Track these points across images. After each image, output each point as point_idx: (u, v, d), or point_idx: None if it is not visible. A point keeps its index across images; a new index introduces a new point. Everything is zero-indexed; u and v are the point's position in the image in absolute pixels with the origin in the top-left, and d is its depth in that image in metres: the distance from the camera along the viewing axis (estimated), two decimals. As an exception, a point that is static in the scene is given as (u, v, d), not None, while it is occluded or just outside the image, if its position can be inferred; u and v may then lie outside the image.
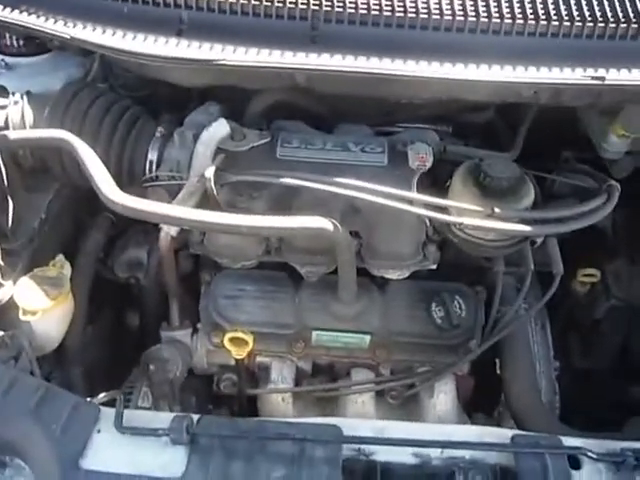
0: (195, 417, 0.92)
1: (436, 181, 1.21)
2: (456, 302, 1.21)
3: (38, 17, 1.17)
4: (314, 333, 1.22)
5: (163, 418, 0.92)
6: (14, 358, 1.01)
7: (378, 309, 1.23)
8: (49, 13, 1.17)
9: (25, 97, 1.23)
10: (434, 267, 1.21)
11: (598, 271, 1.36)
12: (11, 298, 1.08)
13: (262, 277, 1.25)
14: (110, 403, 0.97)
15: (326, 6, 1.10)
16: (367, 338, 1.22)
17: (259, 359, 1.26)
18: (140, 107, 1.30)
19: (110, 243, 1.37)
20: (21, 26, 1.17)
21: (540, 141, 1.36)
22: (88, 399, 1.00)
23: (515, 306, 1.17)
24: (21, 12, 1.18)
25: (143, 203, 1.02)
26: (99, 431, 0.91)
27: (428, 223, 1.17)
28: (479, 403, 1.33)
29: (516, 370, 1.19)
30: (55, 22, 1.16)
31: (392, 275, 1.21)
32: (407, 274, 1.22)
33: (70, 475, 0.86)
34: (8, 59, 1.35)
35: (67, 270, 1.14)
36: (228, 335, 1.11)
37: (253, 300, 1.23)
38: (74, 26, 1.15)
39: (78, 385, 1.23)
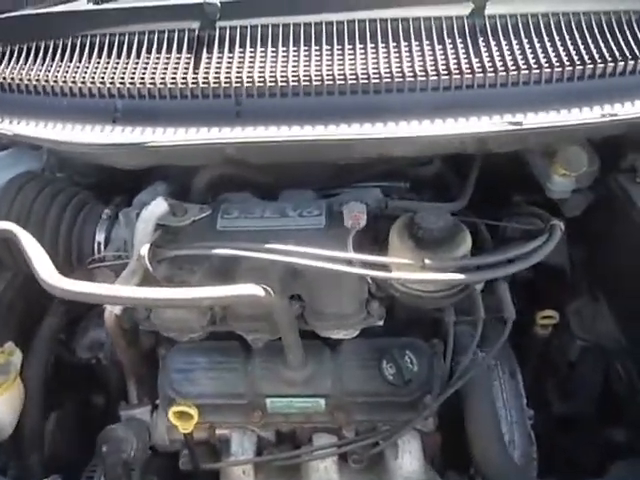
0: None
1: (378, 237, 1.22)
2: (407, 357, 1.19)
3: None
4: (268, 400, 1.21)
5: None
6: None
7: (330, 371, 1.21)
8: None
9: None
10: (381, 323, 1.20)
11: (556, 312, 1.34)
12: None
13: (213, 348, 1.25)
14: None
15: (247, 82, 1.15)
16: (322, 401, 1.20)
17: (219, 431, 1.25)
18: (89, 192, 1.35)
19: (72, 326, 1.39)
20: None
21: (492, 187, 1.38)
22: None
23: (469, 355, 1.15)
24: None
25: (79, 285, 1.03)
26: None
27: (370, 280, 1.17)
28: (453, 461, 1.29)
29: (478, 423, 1.16)
30: (1, 121, 1.24)
31: (338, 335, 1.20)
32: (355, 333, 1.21)
33: None
34: (-31, 158, 1.43)
35: (17, 357, 1.15)
36: (172, 409, 1.11)
37: (204, 372, 1.23)
38: (18, 123, 1.23)
39: (36, 473, 1.22)
